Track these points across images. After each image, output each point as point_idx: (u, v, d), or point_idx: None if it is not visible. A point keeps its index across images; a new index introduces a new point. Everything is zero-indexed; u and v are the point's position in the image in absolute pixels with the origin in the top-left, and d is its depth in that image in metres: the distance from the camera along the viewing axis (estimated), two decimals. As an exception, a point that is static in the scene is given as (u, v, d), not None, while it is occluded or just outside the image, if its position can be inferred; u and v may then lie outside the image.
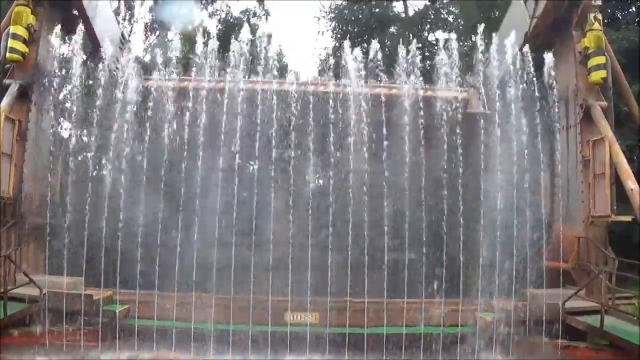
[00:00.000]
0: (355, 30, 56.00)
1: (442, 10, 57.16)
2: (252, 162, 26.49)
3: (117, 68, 27.37)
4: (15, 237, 23.05)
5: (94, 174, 25.85)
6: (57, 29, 24.57)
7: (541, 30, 26.98)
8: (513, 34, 25.31)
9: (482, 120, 25.29)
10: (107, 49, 25.78)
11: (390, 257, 23.97)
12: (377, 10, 56.48)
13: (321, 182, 29.08)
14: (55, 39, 24.46)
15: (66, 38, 25.85)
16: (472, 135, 25.48)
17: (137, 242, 22.63)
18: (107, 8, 30.20)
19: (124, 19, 54.16)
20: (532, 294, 22.16)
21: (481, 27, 25.47)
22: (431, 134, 24.80)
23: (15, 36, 23.60)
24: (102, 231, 22.30)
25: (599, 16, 25.36)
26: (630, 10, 41.06)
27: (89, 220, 22.53)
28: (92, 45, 28.06)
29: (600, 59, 24.78)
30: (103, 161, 26.14)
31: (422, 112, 24.71)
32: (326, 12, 57.75)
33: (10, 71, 24.27)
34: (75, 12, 26.40)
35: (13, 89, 23.44)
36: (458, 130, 24.82)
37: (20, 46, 23.70)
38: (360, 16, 56.19)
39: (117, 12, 52.19)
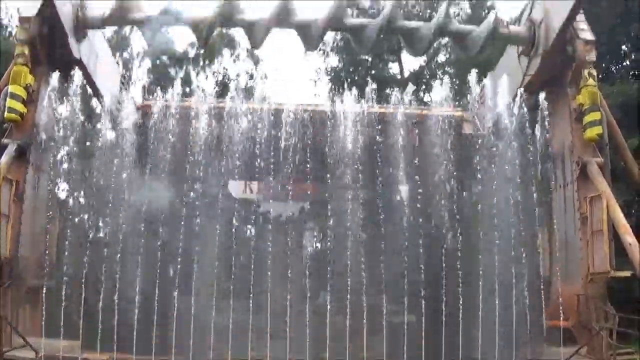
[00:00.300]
0: (351, 91, 56.29)
1: (437, 71, 57.46)
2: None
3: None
4: (12, 299, 22.81)
5: (91, 236, 25.69)
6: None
7: (535, 87, 27.12)
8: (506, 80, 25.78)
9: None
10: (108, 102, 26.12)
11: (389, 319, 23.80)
12: (373, 71, 56.81)
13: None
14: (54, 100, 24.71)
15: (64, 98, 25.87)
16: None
17: (135, 305, 22.45)
18: (107, 53, 30.46)
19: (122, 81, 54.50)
20: (533, 354, 21.97)
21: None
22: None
23: (13, 96, 23.63)
24: (99, 294, 22.15)
25: (594, 72, 25.50)
26: (625, 63, 41.30)
27: (85, 283, 22.42)
28: (94, 95, 28.20)
29: (596, 115, 24.85)
30: (100, 224, 26.12)
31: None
32: (322, 75, 58.07)
33: (8, 131, 24.30)
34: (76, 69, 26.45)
35: (11, 149, 23.42)
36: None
37: (18, 106, 23.73)
38: (356, 78, 56.48)
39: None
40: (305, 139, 25.52)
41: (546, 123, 24.99)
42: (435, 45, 50.14)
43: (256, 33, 27.07)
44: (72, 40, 26.12)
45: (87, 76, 27.56)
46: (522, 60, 27.97)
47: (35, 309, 23.68)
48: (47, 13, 25.09)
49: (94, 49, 28.65)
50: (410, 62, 57.00)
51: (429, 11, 51.83)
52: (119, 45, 53.02)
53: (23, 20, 25.20)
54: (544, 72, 26.54)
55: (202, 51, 54.74)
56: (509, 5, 54.76)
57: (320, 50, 56.36)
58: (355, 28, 28.09)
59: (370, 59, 56.47)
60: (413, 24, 28.64)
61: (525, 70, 27.88)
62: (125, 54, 54.72)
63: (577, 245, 24.88)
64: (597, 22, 31.26)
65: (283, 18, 26.51)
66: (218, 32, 50.29)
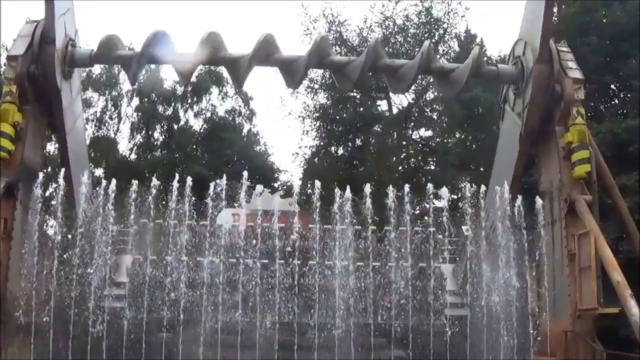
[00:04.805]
0: (340, 129, 56.43)
1: (425, 108, 57.74)
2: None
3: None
4: (1, 336, 22.65)
5: (79, 272, 25.60)
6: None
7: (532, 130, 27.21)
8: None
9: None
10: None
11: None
12: (361, 108, 57.03)
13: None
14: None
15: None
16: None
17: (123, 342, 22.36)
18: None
19: (110, 118, 54.65)
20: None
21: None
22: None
23: (1, 134, 23.60)
24: (87, 331, 22.06)
25: (582, 110, 25.63)
26: (614, 102, 41.55)
27: (74, 320, 22.35)
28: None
29: (584, 153, 24.93)
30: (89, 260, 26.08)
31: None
32: (310, 112, 58.18)
33: (-4, 169, 24.22)
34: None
35: (0, 186, 23.34)
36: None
37: (7, 144, 23.67)
38: (344, 115, 56.69)
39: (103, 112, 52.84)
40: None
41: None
42: (424, 82, 50.68)
43: (238, 71, 27.00)
44: (58, 79, 26.06)
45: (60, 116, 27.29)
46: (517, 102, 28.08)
47: (24, 346, 23.48)
48: (35, 52, 25.18)
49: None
50: (400, 99, 57.30)
51: (417, 49, 52.24)
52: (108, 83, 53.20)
53: (11, 58, 25.33)
54: (533, 111, 26.52)
55: (189, 88, 54.87)
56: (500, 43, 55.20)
57: (308, 87, 56.73)
58: (337, 66, 28.06)
59: (358, 96, 56.69)
60: (395, 62, 28.56)
61: (513, 106, 28.00)
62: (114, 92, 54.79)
63: (565, 282, 24.87)
64: (586, 61, 31.53)
65: (265, 55, 26.48)
66: (205, 69, 50.68)
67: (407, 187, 26.25)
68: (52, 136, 25.99)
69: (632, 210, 27.32)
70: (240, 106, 60.03)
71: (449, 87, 28.03)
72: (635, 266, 24.86)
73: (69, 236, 25.29)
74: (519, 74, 27.06)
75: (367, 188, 26.19)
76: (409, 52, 51.75)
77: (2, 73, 35.75)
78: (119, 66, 35.17)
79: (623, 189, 28.25)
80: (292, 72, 27.20)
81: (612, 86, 40.79)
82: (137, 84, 44.99)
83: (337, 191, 26.08)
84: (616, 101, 41.67)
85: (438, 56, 50.43)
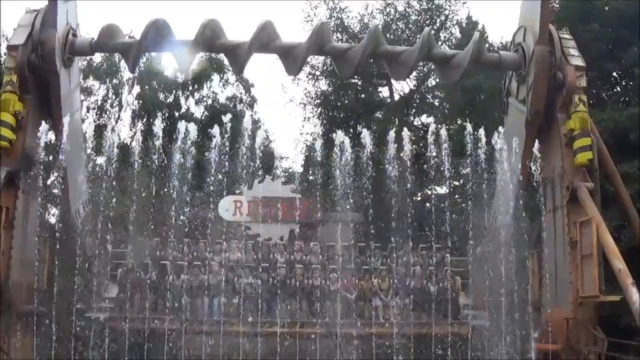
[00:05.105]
0: (341, 115, 56.29)
1: (427, 95, 57.58)
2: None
3: None
4: (3, 325, 22.71)
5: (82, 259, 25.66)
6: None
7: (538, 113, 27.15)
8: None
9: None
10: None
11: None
12: (362, 95, 56.87)
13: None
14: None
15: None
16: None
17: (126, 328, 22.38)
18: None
19: (111, 106, 54.53)
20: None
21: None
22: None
23: (2, 123, 23.63)
24: (90, 318, 22.10)
25: (584, 98, 25.58)
26: (616, 90, 41.43)
27: (77, 308, 22.36)
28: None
29: (586, 141, 24.91)
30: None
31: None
32: (312, 98, 58.01)
33: (-3, 159, 24.22)
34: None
35: (1, 175, 23.34)
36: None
37: (8, 133, 23.72)
38: (346, 102, 56.54)
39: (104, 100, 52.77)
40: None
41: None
42: (425, 69, 50.52)
43: (238, 58, 26.94)
44: (58, 64, 25.97)
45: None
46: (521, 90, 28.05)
47: (26, 334, 23.54)
48: (36, 38, 25.17)
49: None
50: (401, 86, 57.10)
51: (419, 36, 52.05)
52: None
53: (11, 48, 25.35)
54: (536, 93, 26.40)
55: (190, 76, 54.70)
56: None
57: (309, 74, 56.57)
58: (337, 52, 28.02)
59: (360, 82, 56.53)
60: (396, 48, 28.50)
61: (517, 94, 27.95)
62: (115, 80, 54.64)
63: (566, 269, 24.85)
64: (588, 48, 31.43)
65: (264, 42, 26.41)
66: (206, 56, 50.52)
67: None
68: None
69: (634, 198, 27.28)
70: (241, 93, 59.82)
71: (449, 74, 27.91)
72: (637, 254, 24.88)
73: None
74: (521, 60, 27.03)
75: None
76: (410, 38, 51.51)
77: (2, 63, 35.58)
78: (120, 54, 34.91)
79: (625, 177, 28.21)
80: (292, 59, 27.12)
81: (614, 74, 40.68)
82: (137, 72, 44.88)
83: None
84: (618, 89, 41.56)
85: (439, 43, 50.41)
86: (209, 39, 26.31)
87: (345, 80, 52.01)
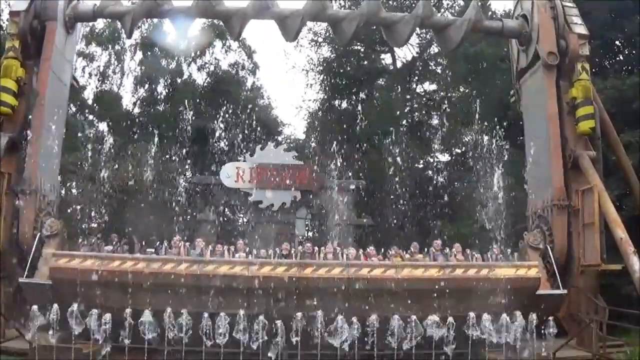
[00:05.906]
0: (344, 82, 56.11)
1: (429, 62, 57.35)
2: None
3: None
4: (5, 291, 22.87)
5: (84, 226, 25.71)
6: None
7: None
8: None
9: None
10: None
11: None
12: (365, 62, 56.66)
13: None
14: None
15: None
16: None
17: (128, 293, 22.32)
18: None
19: (114, 72, 54.39)
20: (523, 345, 21.89)
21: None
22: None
23: (4, 89, 23.71)
24: (91, 284, 22.05)
25: (587, 66, 25.60)
26: (618, 58, 41.25)
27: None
28: None
29: (589, 109, 24.94)
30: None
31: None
32: (314, 65, 57.77)
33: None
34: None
35: (3, 142, 23.40)
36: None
37: (9, 99, 23.78)
38: (348, 69, 56.35)
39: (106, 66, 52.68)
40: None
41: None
42: (428, 36, 50.34)
43: (234, 24, 26.89)
44: (59, 24, 25.87)
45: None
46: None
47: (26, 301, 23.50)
48: (38, 7, 25.14)
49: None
50: (404, 53, 56.86)
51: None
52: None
53: (13, 14, 25.27)
54: (544, 39, 26.33)
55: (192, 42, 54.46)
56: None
57: (312, 41, 56.35)
58: (334, 19, 28.01)
59: (362, 49, 56.31)
60: (393, 15, 28.43)
61: (517, 63, 27.97)
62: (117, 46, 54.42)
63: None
64: (591, 16, 31.33)
65: (261, 8, 26.36)
66: (209, 22, 50.33)
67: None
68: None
69: (636, 167, 27.24)
70: (243, 60, 59.55)
71: (447, 41, 27.95)
72: (638, 223, 24.89)
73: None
74: (523, 26, 27.12)
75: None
76: (413, 5, 51.31)
77: (4, 29, 35.43)
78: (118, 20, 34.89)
79: (627, 146, 28.21)
80: (289, 25, 27.14)
81: (617, 42, 40.47)
82: (137, 37, 44.89)
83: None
84: (621, 57, 41.30)
85: (442, 10, 50.22)
86: (206, 4, 26.27)
87: (348, 47, 51.80)
